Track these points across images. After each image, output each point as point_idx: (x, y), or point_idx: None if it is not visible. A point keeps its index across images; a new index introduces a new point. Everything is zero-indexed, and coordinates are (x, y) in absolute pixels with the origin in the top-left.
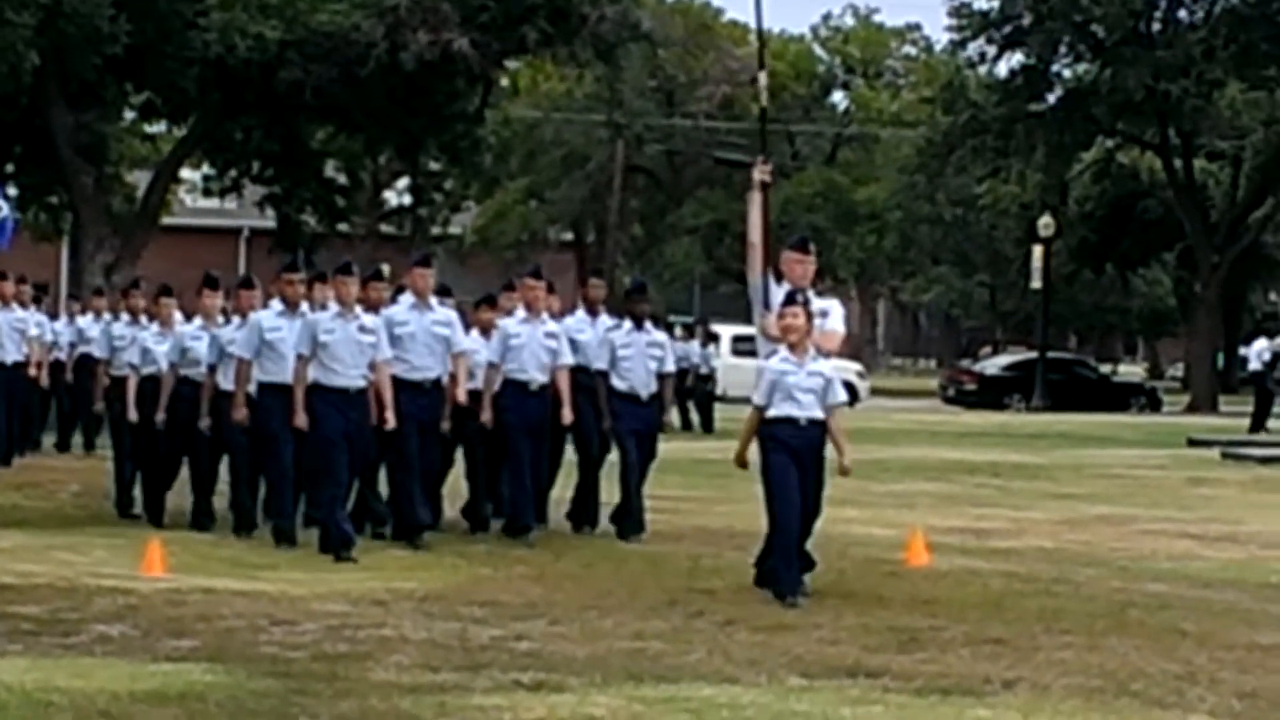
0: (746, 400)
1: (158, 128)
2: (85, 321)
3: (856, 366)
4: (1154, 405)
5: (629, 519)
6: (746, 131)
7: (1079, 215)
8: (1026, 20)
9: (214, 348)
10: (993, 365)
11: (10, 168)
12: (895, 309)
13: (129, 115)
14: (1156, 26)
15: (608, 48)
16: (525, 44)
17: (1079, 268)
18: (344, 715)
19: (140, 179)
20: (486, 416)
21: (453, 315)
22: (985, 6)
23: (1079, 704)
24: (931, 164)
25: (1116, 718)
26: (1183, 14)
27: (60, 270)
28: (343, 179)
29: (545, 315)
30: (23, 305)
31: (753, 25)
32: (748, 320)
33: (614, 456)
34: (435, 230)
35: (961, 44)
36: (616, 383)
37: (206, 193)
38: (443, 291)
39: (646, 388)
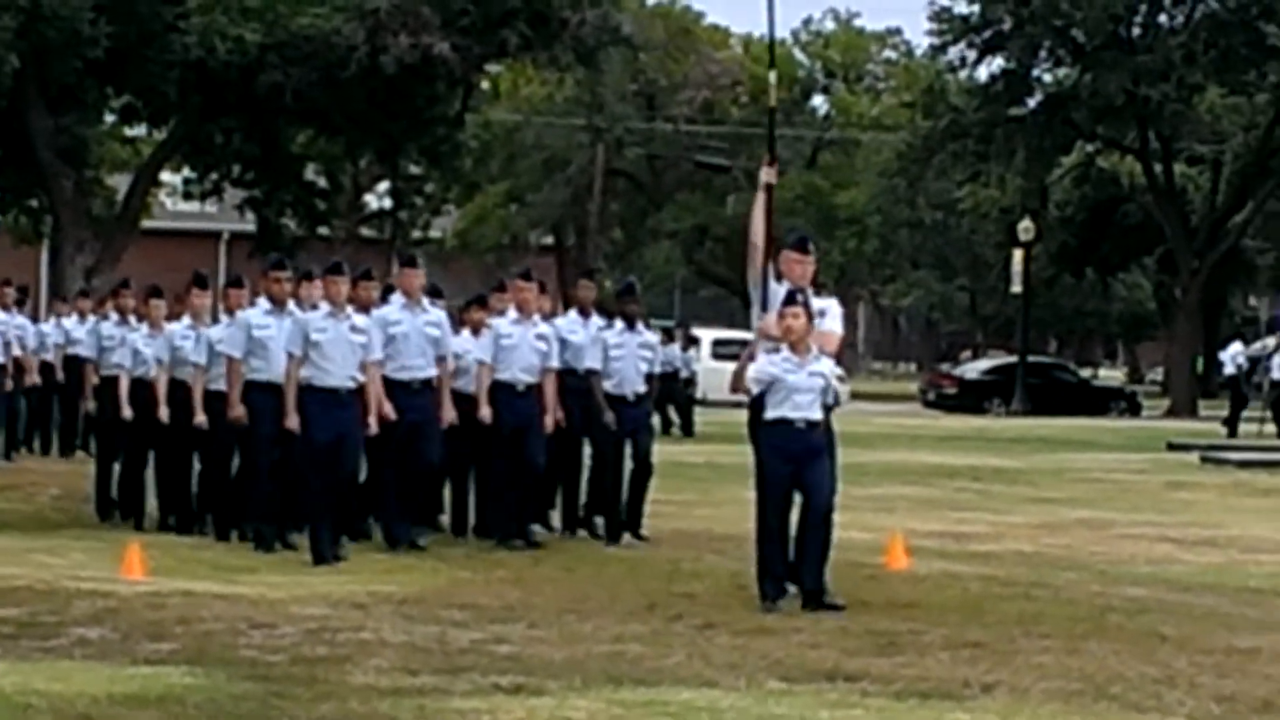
0: (727, 404)
1: (138, 131)
2: (71, 323)
3: (838, 370)
4: (1134, 409)
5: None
6: (727, 135)
7: (1059, 219)
8: (1007, 25)
9: (203, 347)
10: (973, 369)
11: None
12: (875, 313)
13: (109, 118)
14: (1136, 31)
15: (588, 51)
16: (506, 48)
17: (1059, 272)
18: (323, 718)
19: (120, 182)
20: (485, 412)
21: (443, 316)
22: (965, 11)
23: (1058, 707)
24: (912, 168)
25: None
26: (1163, 19)
27: (40, 273)
28: (323, 182)
29: (537, 317)
30: (4, 308)
31: (734, 29)
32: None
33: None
34: (415, 234)
35: (942, 48)
36: (604, 384)
37: (187, 196)
38: (433, 293)
39: (634, 389)
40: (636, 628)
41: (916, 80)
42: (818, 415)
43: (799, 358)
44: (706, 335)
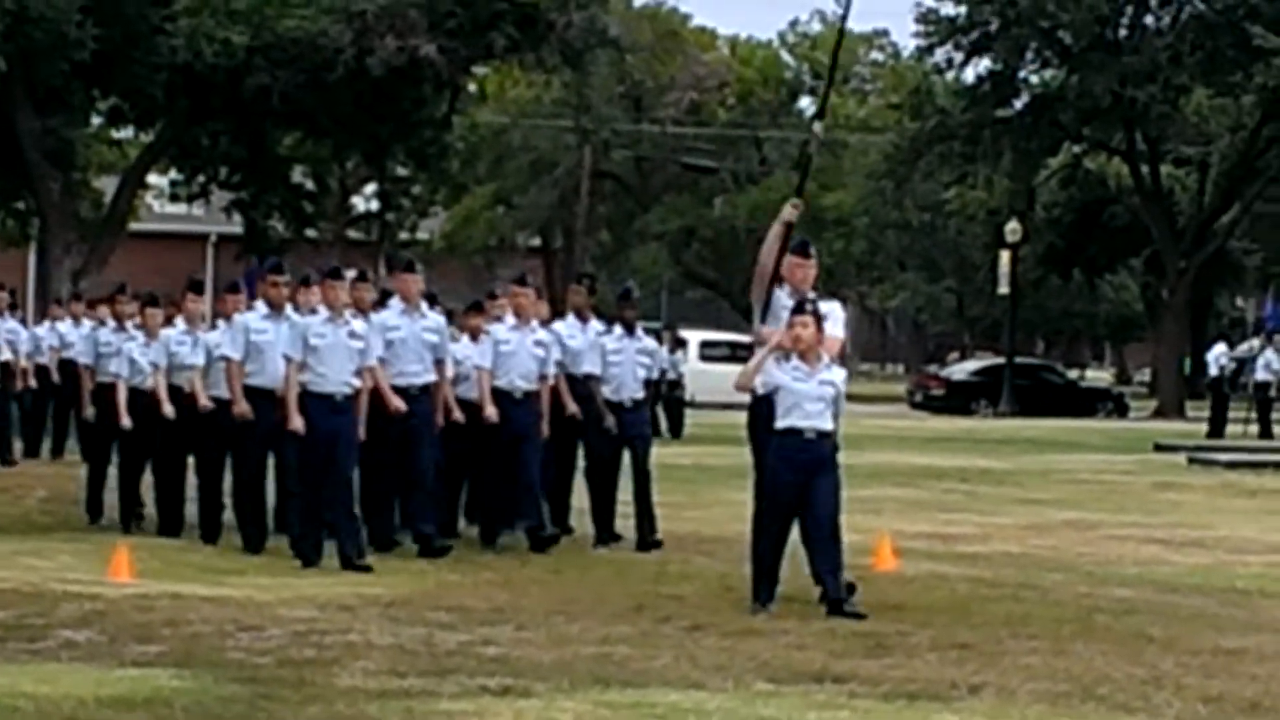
0: (714, 405)
1: (125, 133)
2: (65, 326)
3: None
4: (1121, 410)
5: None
6: (714, 137)
7: (1046, 221)
8: (993, 26)
9: (202, 350)
10: (960, 371)
11: None
12: (863, 314)
13: (96, 121)
14: (1123, 33)
15: (575, 53)
16: (493, 50)
17: (1046, 273)
18: None
19: (108, 185)
20: (490, 411)
21: (441, 322)
22: (952, 13)
23: (1045, 709)
24: (899, 170)
25: None
26: (1149, 20)
27: (27, 276)
28: (310, 184)
29: (535, 323)
30: None
31: (721, 30)
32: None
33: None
34: (403, 236)
35: (929, 50)
36: (603, 389)
37: (174, 198)
38: (430, 298)
39: (632, 394)
40: (624, 629)
41: (903, 82)
42: (828, 425)
43: (808, 366)
44: (694, 337)
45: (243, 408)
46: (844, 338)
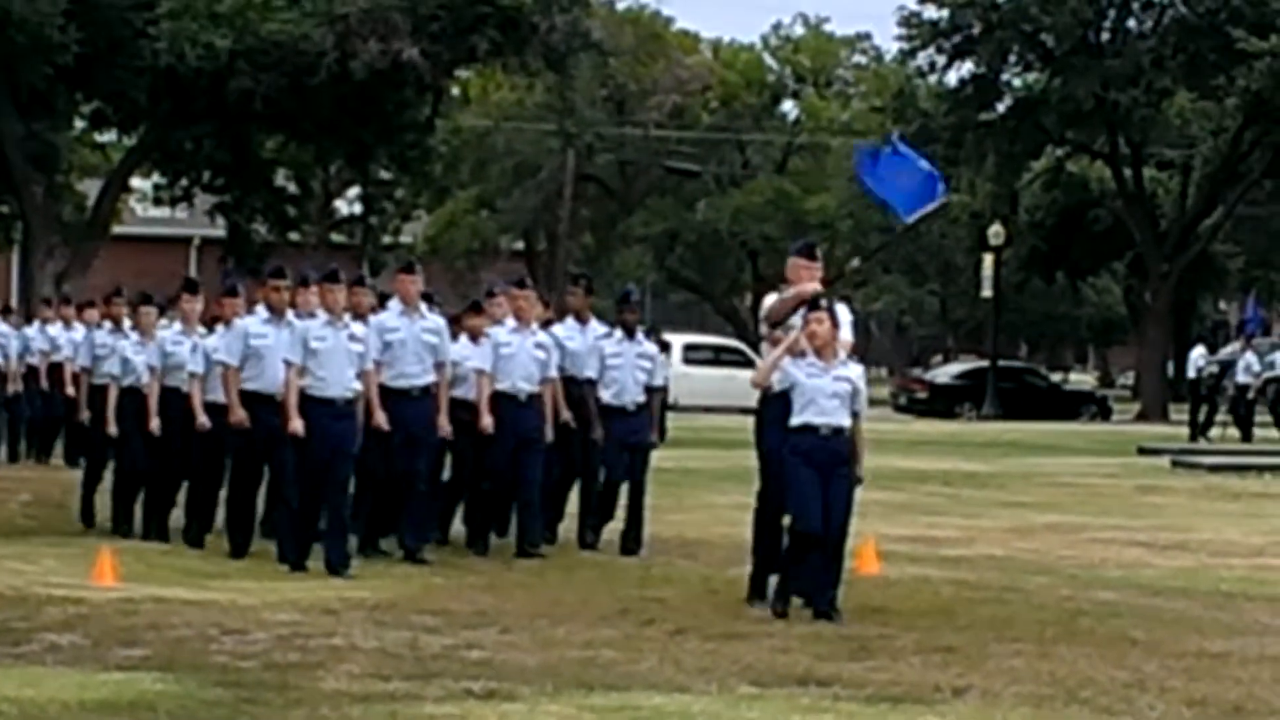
0: (698, 409)
1: (108, 137)
2: (55, 329)
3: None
4: (1104, 414)
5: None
6: (697, 140)
7: (1029, 224)
8: (976, 29)
9: (199, 356)
10: (943, 374)
11: None
12: None
13: (79, 124)
14: (1106, 36)
15: (558, 57)
16: (475, 53)
17: (1029, 276)
18: None
19: (91, 188)
20: (487, 421)
21: (441, 323)
22: (935, 16)
23: (1029, 712)
24: None
25: None
26: (1132, 24)
27: (10, 279)
28: (293, 188)
29: (535, 325)
30: None
31: (704, 34)
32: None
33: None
34: (386, 239)
35: (911, 53)
36: (602, 394)
37: (157, 202)
38: (428, 299)
39: (634, 399)
40: (608, 633)
41: (886, 85)
42: (844, 422)
43: (824, 362)
44: (677, 340)
45: (240, 415)
46: (852, 341)
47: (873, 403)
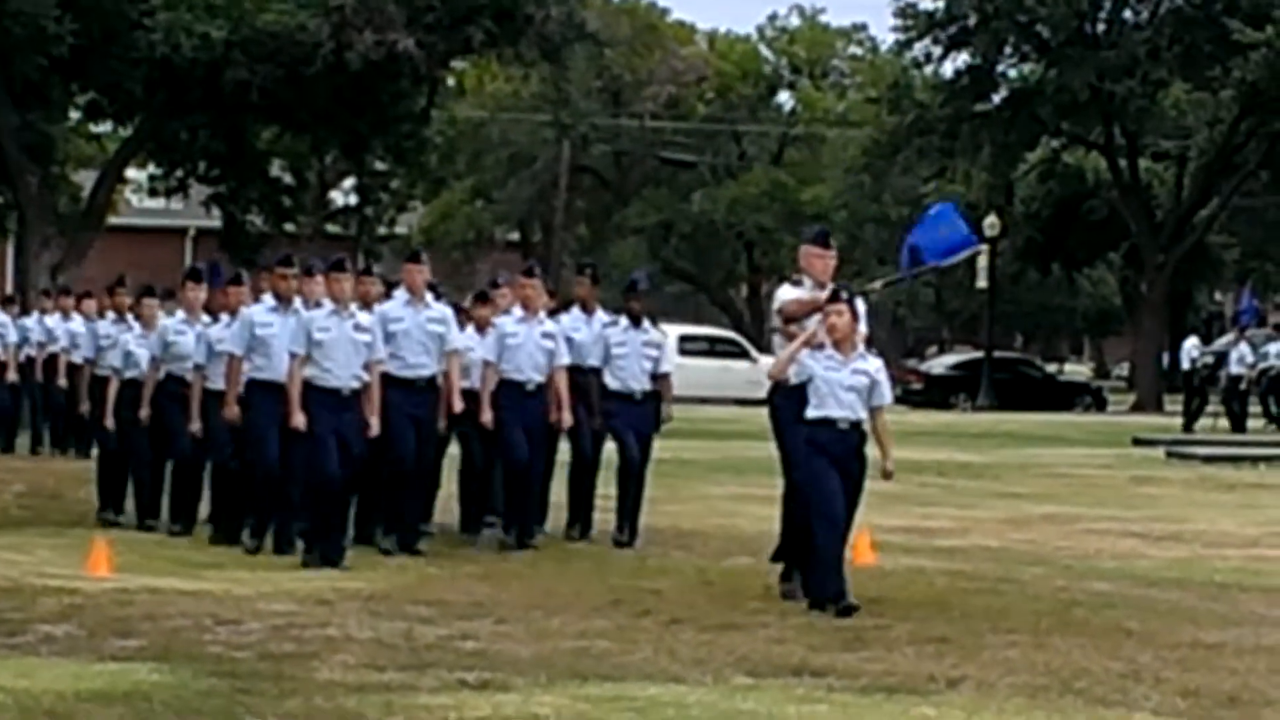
0: (692, 399)
1: (103, 127)
2: (54, 321)
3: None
4: (1099, 404)
5: (623, 530)
6: (692, 131)
7: (1025, 215)
8: (972, 20)
9: (202, 345)
10: (939, 365)
11: None
12: None
13: (74, 115)
14: (1101, 27)
15: (553, 48)
16: (471, 44)
17: (1025, 267)
18: (289, 714)
19: (86, 179)
20: (487, 417)
21: (448, 312)
22: (931, 7)
23: (1024, 702)
24: (877, 164)
25: (1061, 716)
26: (1128, 15)
27: (6, 270)
28: (289, 179)
29: (543, 314)
30: None
31: (699, 25)
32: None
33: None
34: (381, 230)
35: (907, 44)
36: (609, 381)
37: (152, 193)
38: (433, 289)
39: (641, 386)
40: (603, 623)
41: (882, 76)
42: (861, 415)
43: (842, 355)
44: (672, 331)
45: (234, 412)
46: (865, 333)
47: None
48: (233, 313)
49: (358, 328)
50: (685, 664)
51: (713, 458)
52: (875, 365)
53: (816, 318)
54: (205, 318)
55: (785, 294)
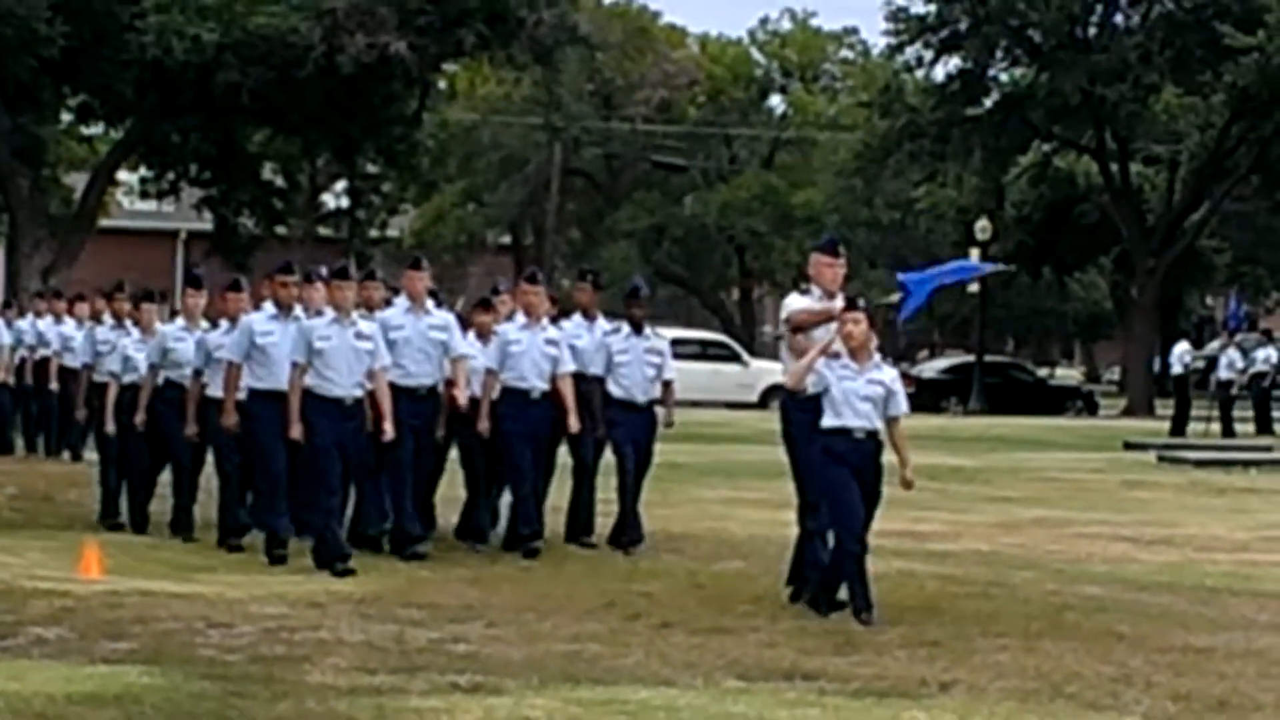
0: (683, 402)
1: (95, 130)
2: (45, 324)
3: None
4: (1090, 408)
5: (627, 530)
6: (684, 135)
7: (1016, 219)
8: (963, 25)
9: (201, 352)
10: (930, 368)
11: None
12: None
13: (66, 117)
14: (1093, 31)
15: (545, 51)
16: (463, 47)
17: (1016, 271)
18: (281, 717)
19: (77, 181)
20: (484, 425)
21: (450, 319)
22: (922, 11)
23: (1015, 706)
24: (868, 168)
25: None
26: (1119, 19)
27: None
28: (280, 181)
29: (545, 321)
30: None
31: (691, 28)
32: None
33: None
34: (373, 233)
35: (898, 48)
36: (613, 389)
37: (144, 195)
38: (434, 296)
39: (644, 394)
40: (594, 627)
41: (873, 80)
42: (876, 425)
43: (858, 365)
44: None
45: (232, 420)
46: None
47: None
48: (232, 319)
49: (359, 335)
50: (676, 667)
51: (704, 461)
52: (891, 375)
53: (831, 327)
54: (204, 324)
55: (794, 303)
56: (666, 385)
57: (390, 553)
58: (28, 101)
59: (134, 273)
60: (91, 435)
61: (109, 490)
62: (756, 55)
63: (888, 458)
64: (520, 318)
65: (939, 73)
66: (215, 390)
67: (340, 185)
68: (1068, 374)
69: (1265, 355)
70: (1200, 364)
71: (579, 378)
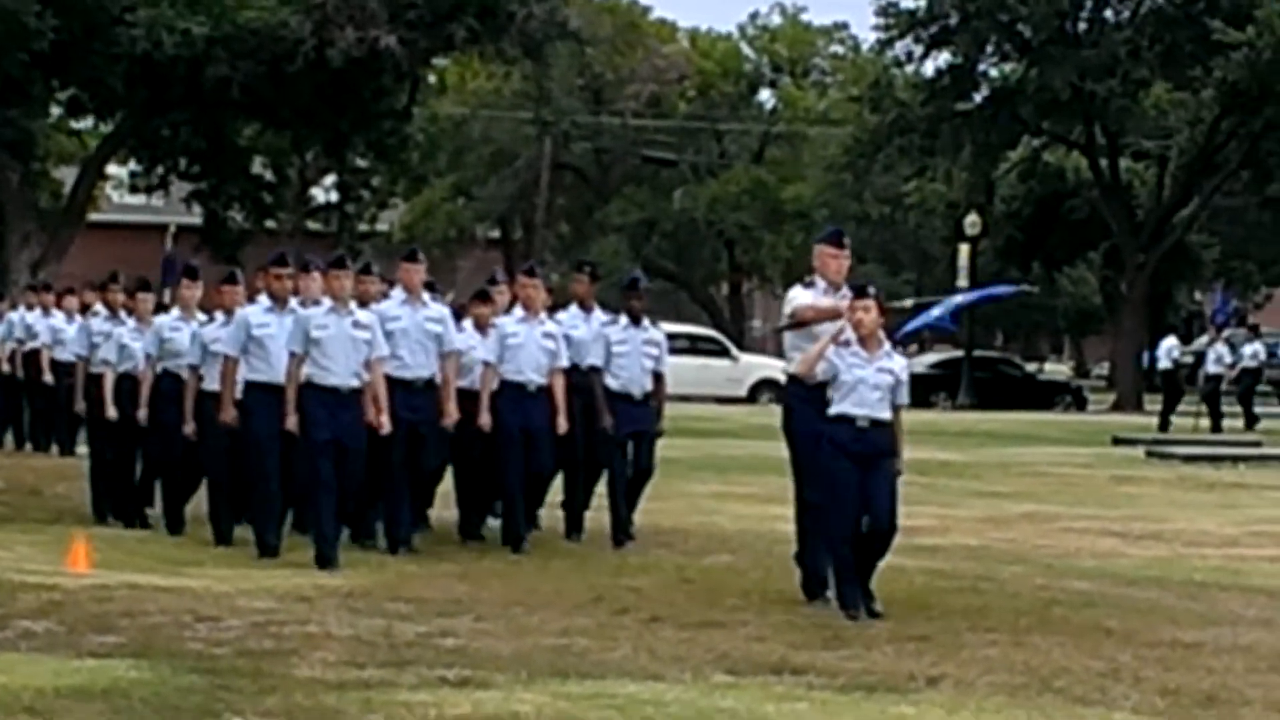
0: (673, 397)
1: (84, 124)
2: (34, 317)
3: (783, 364)
4: (1079, 404)
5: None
6: (674, 129)
7: (1005, 214)
8: (953, 19)
9: (196, 345)
10: (919, 363)
11: None
12: None
13: (55, 111)
14: (1083, 26)
15: (535, 45)
16: (453, 41)
17: (1005, 266)
18: (269, 712)
19: (67, 175)
20: (485, 419)
21: (445, 312)
22: (912, 6)
23: (1003, 701)
24: (858, 163)
25: (1040, 715)
26: (1109, 14)
27: None
28: (270, 175)
29: (544, 314)
30: None
31: (681, 23)
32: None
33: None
34: (362, 227)
35: (888, 43)
36: (609, 381)
37: (133, 189)
38: (430, 288)
39: (640, 387)
40: (583, 621)
41: (863, 75)
42: (884, 414)
43: (867, 353)
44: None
45: (230, 415)
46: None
47: None
48: (228, 311)
49: (356, 325)
50: (665, 661)
51: (694, 455)
52: (900, 364)
53: (839, 323)
54: (200, 315)
55: (799, 297)
56: (658, 378)
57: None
58: (17, 95)
59: (124, 267)
60: (83, 430)
61: (99, 485)
62: (746, 50)
63: None
64: (518, 310)
65: (929, 68)
66: (209, 384)
67: (330, 179)
68: (1057, 369)
69: (1253, 350)
70: (1189, 359)
71: (575, 369)
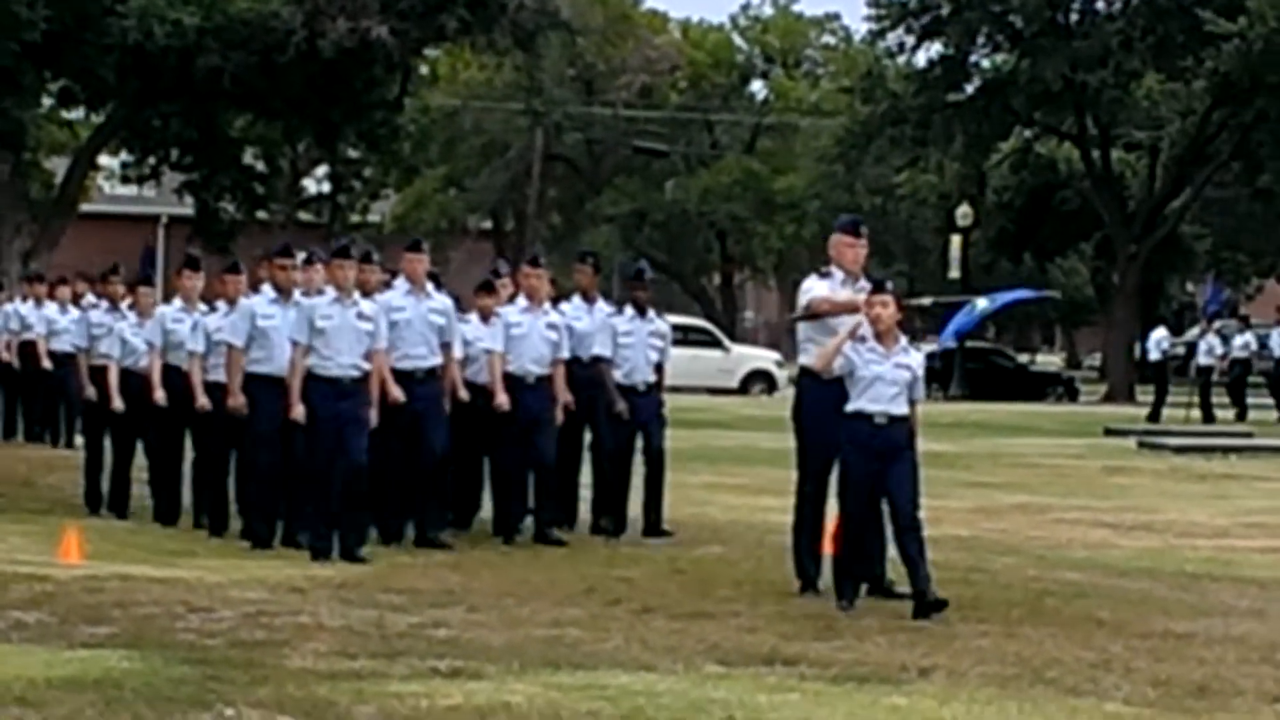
0: (666, 388)
1: (76, 114)
2: (27, 308)
3: (775, 356)
4: (1071, 395)
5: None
6: (665, 120)
7: (997, 205)
8: (945, 10)
9: (200, 335)
10: None
11: None
12: None
13: (47, 102)
14: (1074, 17)
15: (527, 36)
16: (444, 32)
17: (997, 257)
18: (261, 702)
19: (58, 166)
20: (502, 399)
21: (448, 304)
22: None
23: (995, 692)
24: (850, 153)
25: (1032, 705)
26: (1100, 5)
27: None
28: (261, 166)
29: (547, 305)
30: None
31: (672, 14)
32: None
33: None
34: (354, 218)
35: (880, 34)
36: (614, 372)
37: (125, 180)
38: (434, 279)
39: (644, 378)
40: (574, 612)
41: (855, 65)
42: (901, 410)
43: (884, 348)
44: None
45: (239, 401)
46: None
47: None
48: (230, 301)
49: (360, 315)
50: (657, 652)
51: (686, 446)
52: (917, 359)
53: (856, 318)
54: (202, 306)
55: (815, 288)
56: (658, 369)
57: (381, 539)
58: (9, 85)
59: (115, 257)
60: (79, 421)
61: (94, 475)
62: (738, 41)
63: None
64: (522, 301)
65: (921, 58)
66: (212, 375)
67: (321, 170)
68: (1049, 360)
69: (1244, 341)
70: (1180, 350)
71: (576, 360)
